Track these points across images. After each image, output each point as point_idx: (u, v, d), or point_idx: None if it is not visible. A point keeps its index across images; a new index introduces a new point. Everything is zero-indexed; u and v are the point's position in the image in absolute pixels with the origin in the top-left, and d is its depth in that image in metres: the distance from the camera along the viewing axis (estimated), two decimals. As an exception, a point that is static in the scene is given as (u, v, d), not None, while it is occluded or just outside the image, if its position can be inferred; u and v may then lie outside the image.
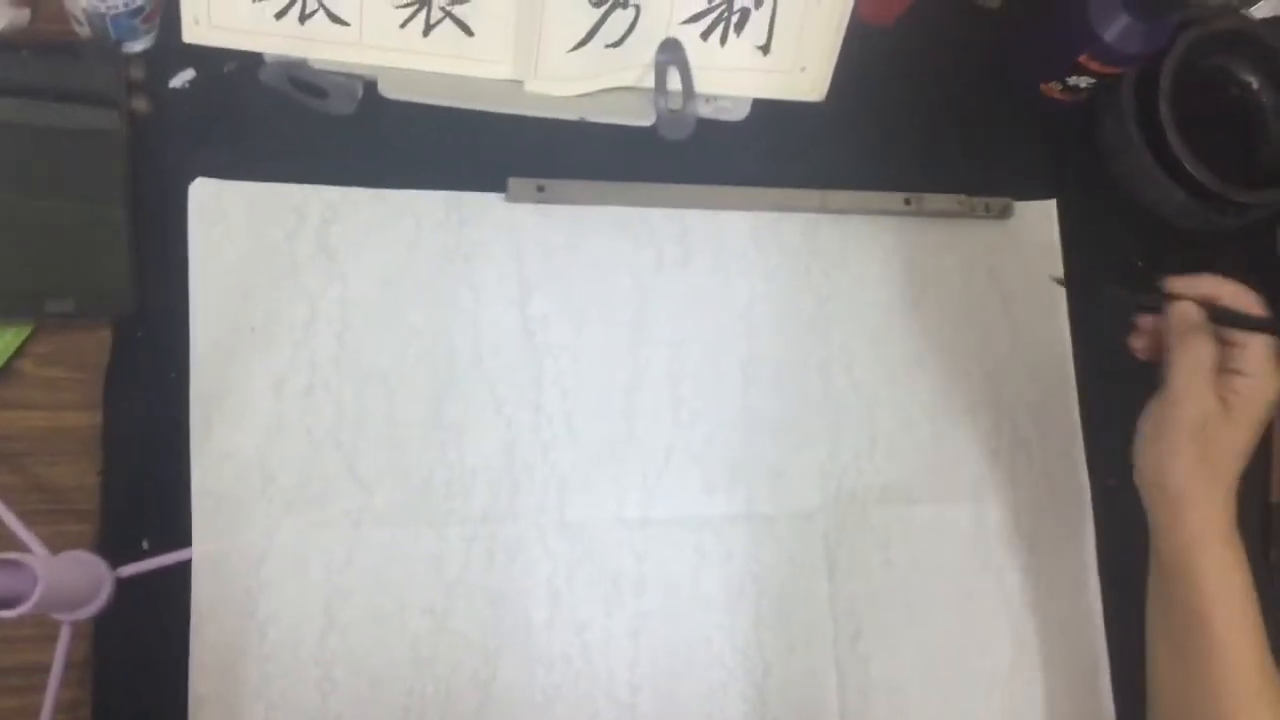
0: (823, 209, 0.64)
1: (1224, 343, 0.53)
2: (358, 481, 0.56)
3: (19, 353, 0.55)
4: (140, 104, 0.57)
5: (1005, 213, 0.67)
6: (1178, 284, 0.55)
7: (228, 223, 0.57)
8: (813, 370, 0.63)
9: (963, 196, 0.66)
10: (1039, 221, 0.68)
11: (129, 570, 0.51)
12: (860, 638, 0.60)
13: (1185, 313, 0.54)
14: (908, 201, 0.65)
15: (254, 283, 0.57)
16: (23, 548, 0.50)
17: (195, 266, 0.56)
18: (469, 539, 0.57)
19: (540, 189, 0.61)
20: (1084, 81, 0.65)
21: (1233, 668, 0.51)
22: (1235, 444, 0.53)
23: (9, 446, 0.54)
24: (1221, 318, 0.53)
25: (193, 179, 0.57)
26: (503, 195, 0.61)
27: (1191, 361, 0.53)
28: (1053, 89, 0.67)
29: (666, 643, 0.58)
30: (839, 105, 0.63)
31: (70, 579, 0.47)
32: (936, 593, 0.62)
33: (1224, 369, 0.53)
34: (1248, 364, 0.53)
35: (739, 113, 0.64)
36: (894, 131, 0.67)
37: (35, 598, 0.41)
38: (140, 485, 0.54)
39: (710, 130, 0.63)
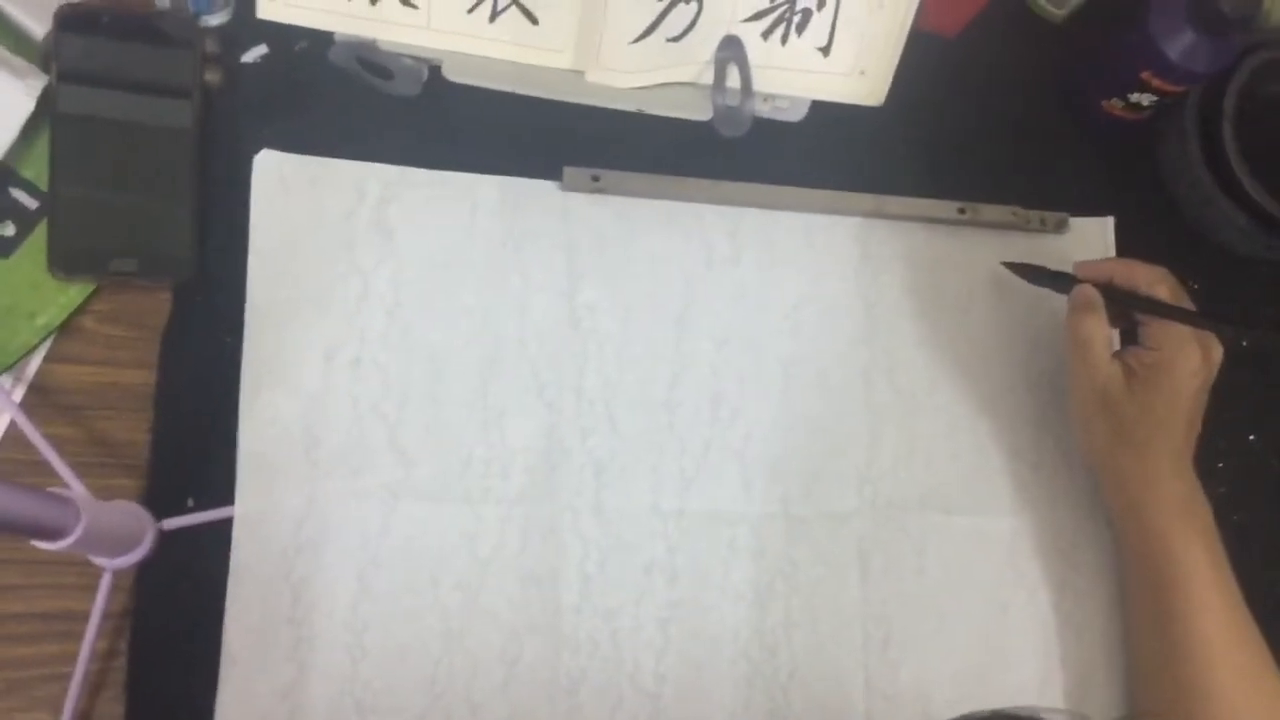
0: (876, 213, 0.64)
1: (1136, 321, 0.58)
2: (398, 454, 0.57)
3: (81, 309, 0.56)
4: (213, 76, 0.59)
5: (1061, 227, 0.66)
6: (1083, 267, 0.60)
7: (289, 195, 0.58)
8: (856, 374, 0.63)
9: (1018, 209, 0.66)
10: (1094, 238, 0.67)
11: (172, 523, 0.52)
12: (890, 644, 0.60)
13: (1079, 293, 0.58)
14: (962, 210, 0.65)
15: (311, 255, 0.58)
16: (73, 496, 0.51)
17: (255, 236, 0.58)
18: (504, 519, 0.57)
19: (595, 179, 0.61)
20: (1146, 99, 0.65)
21: (1197, 614, 0.55)
22: (1146, 413, 0.56)
23: (66, 399, 0.55)
24: (1116, 298, 0.58)
25: (258, 151, 0.59)
26: (558, 183, 0.61)
27: (1077, 339, 0.57)
28: (1114, 106, 0.66)
29: (695, 635, 0.58)
30: (897, 111, 0.63)
31: (114, 523, 0.48)
32: (969, 604, 0.61)
33: (1136, 344, 0.58)
34: (1150, 338, 0.57)
35: (796, 113, 0.64)
36: (951, 141, 0.67)
37: (78, 533, 0.42)
38: (189, 445, 0.56)
39: (766, 129, 0.64)
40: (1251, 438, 0.67)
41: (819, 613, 0.59)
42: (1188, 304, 0.58)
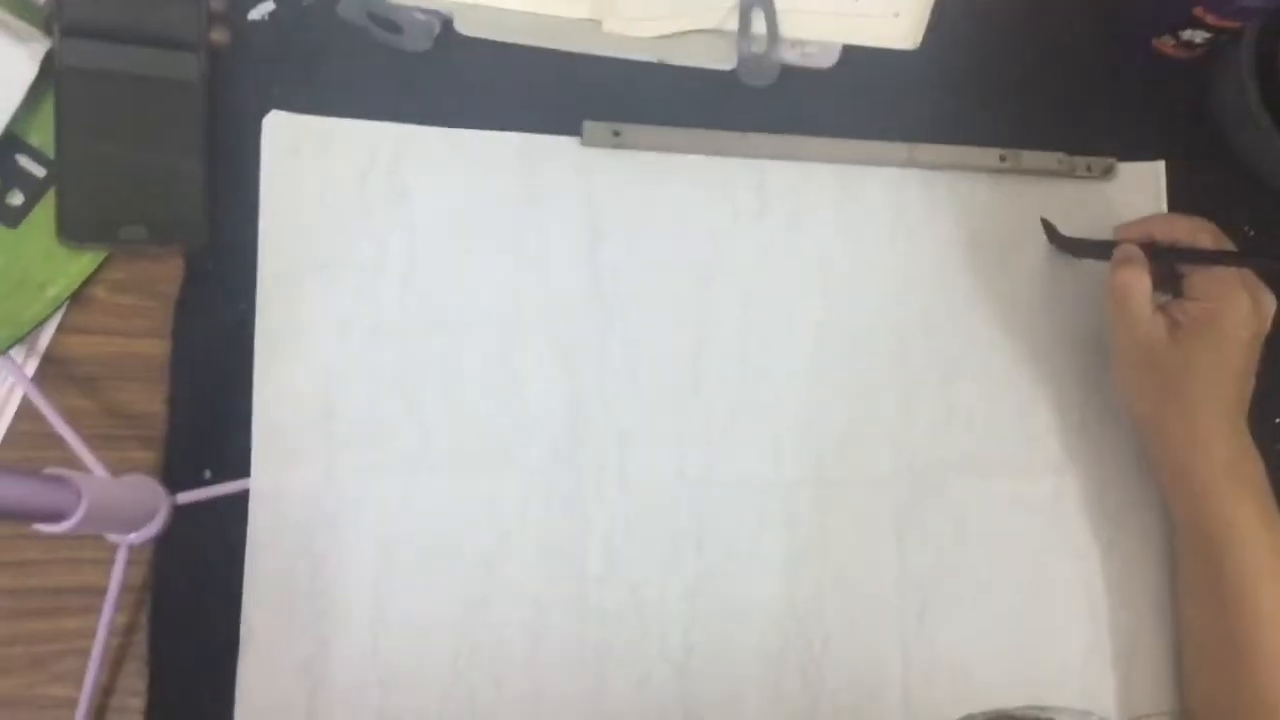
0: (910, 163, 0.61)
1: (1176, 274, 0.56)
2: (417, 424, 0.55)
3: (92, 279, 0.55)
4: (219, 35, 0.57)
5: (1108, 174, 0.63)
6: (1122, 229, 0.58)
7: (300, 157, 0.57)
8: (890, 333, 0.60)
9: (1062, 155, 0.62)
10: (1144, 184, 0.64)
11: (186, 497, 0.51)
12: (927, 612, 0.58)
13: (1120, 250, 0.56)
14: (1003, 158, 0.62)
15: (323, 219, 0.56)
16: (86, 470, 0.50)
17: (266, 200, 0.56)
18: (526, 489, 0.56)
19: (616, 134, 0.59)
20: (1199, 36, 0.61)
21: (1249, 578, 0.52)
22: (1191, 367, 0.53)
23: (79, 370, 0.54)
24: (1160, 254, 0.55)
25: (267, 112, 0.57)
26: (577, 139, 0.59)
27: (1116, 291, 0.55)
28: (1165, 44, 0.62)
29: (724, 606, 0.56)
30: (933, 54, 0.59)
31: (126, 500, 0.47)
32: (1011, 571, 0.59)
33: (1181, 296, 0.55)
34: (1194, 288, 0.54)
35: (826, 59, 0.61)
36: (990, 84, 0.63)
37: (79, 515, 0.41)
38: (205, 416, 0.55)
39: (794, 77, 0.61)
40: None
41: (853, 582, 0.57)
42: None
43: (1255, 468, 0.54)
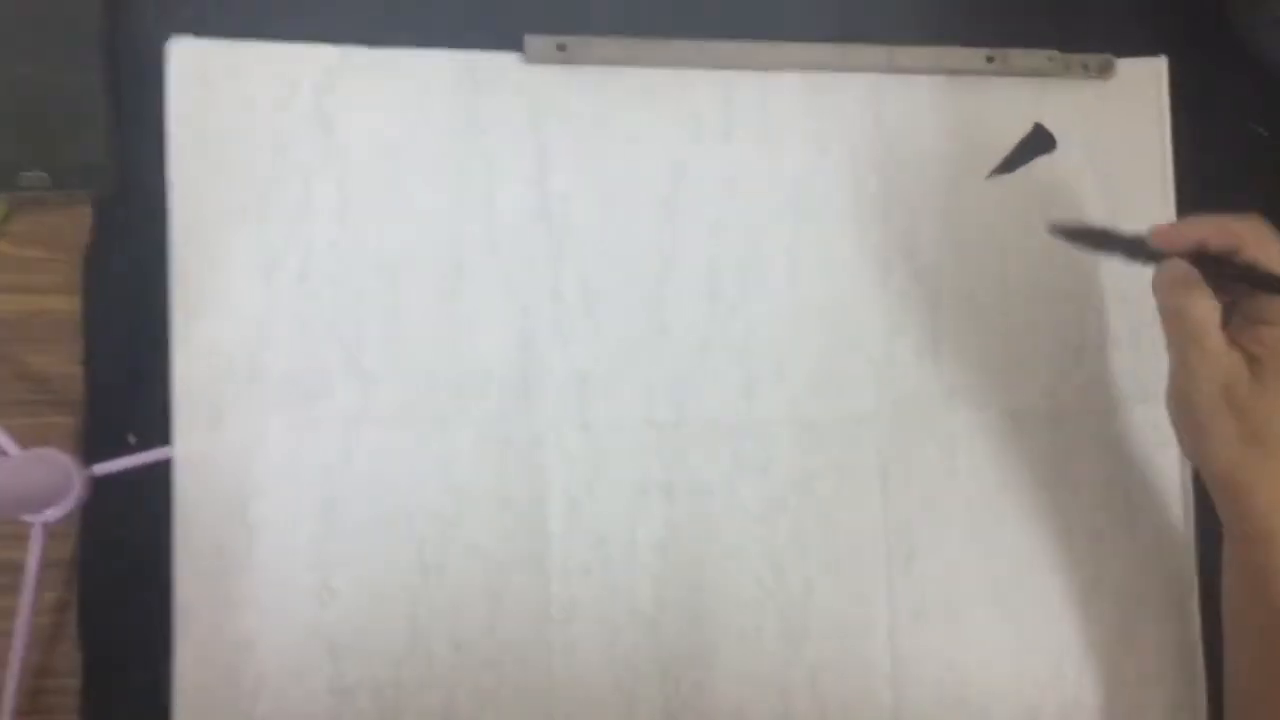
0: (889, 68, 0.56)
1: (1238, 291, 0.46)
2: (357, 377, 0.51)
3: (-8, 232, 0.50)
4: (114, -48, 0.51)
5: (1106, 71, 0.57)
6: (1162, 235, 0.47)
7: (210, 88, 0.51)
8: (870, 256, 0.55)
9: (1055, 53, 0.57)
10: (1145, 82, 0.58)
11: (104, 468, 0.47)
12: (915, 557, 0.54)
13: (1171, 271, 0.47)
14: (990, 59, 0.56)
15: (241, 156, 0.51)
16: (-7, 442, 0.46)
17: (174, 139, 0.51)
18: (480, 441, 0.51)
19: (561, 48, 0.53)
20: (1208, -88, 0.55)
21: None
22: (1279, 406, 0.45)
23: (-15, 333, 0.50)
24: (1214, 269, 0.46)
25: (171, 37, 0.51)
26: (519, 55, 0.54)
27: (1185, 330, 0.46)
28: (1170, -78, 0.56)
29: (697, 557, 0.53)
30: (911, -57, 0.54)
31: (30, 479, 0.43)
32: (1005, 507, 0.55)
33: (1249, 319, 0.46)
34: (1264, 308, 0.45)
35: (792, -44, 0.55)
36: (976, -25, 0.57)
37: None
38: (126, 376, 0.50)
39: (757, -23, 0.55)
40: None
41: (836, 527, 0.54)
42: None
43: None
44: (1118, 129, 0.57)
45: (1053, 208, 0.56)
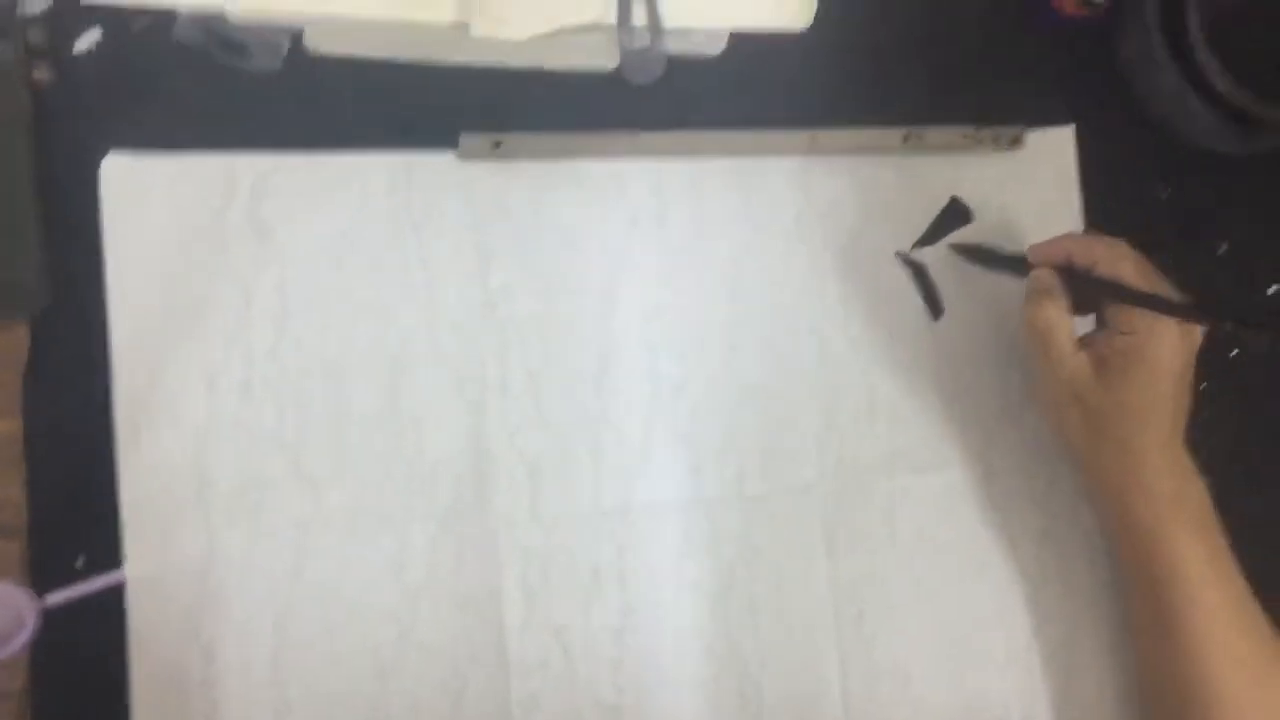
0: (812, 150, 0.58)
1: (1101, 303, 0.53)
2: (305, 483, 0.51)
3: (-74, 357, 0.50)
4: (42, 73, 0.51)
5: (1017, 143, 0.60)
6: (1036, 250, 0.54)
7: (146, 202, 0.51)
8: (805, 331, 0.57)
9: (969, 128, 0.59)
10: (1055, 151, 0.61)
11: (56, 598, 0.47)
12: (863, 619, 0.56)
13: (1036, 279, 0.53)
14: (906, 138, 0.58)
15: (179, 268, 0.51)
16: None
17: (111, 253, 0.51)
18: (432, 539, 0.52)
19: (496, 145, 0.55)
20: (1100, -9, 0.58)
21: (1195, 613, 0.50)
22: (1122, 406, 0.51)
23: (-78, 463, 0.49)
24: (1076, 280, 0.52)
25: (105, 154, 0.51)
26: (454, 153, 0.54)
27: (1036, 330, 0.52)
28: (1067, 2, 0.59)
29: (653, 638, 0.53)
30: (826, 33, 0.55)
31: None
32: (946, 566, 0.57)
33: (1108, 327, 0.52)
34: (1119, 320, 0.51)
35: (714, 47, 0.57)
36: (889, 59, 0.59)
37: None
38: (70, 498, 0.50)
39: (682, 69, 0.56)
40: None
41: (785, 597, 0.55)
42: (1156, 280, 0.51)
43: (1198, 497, 0.52)
44: (1031, 196, 0.60)
45: (971, 280, 0.59)
